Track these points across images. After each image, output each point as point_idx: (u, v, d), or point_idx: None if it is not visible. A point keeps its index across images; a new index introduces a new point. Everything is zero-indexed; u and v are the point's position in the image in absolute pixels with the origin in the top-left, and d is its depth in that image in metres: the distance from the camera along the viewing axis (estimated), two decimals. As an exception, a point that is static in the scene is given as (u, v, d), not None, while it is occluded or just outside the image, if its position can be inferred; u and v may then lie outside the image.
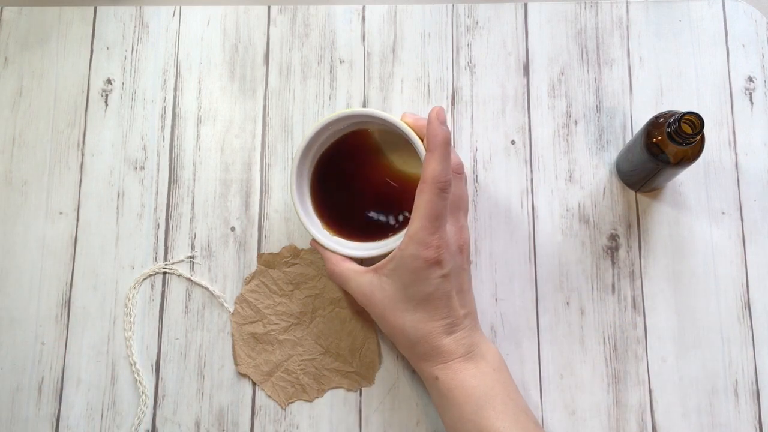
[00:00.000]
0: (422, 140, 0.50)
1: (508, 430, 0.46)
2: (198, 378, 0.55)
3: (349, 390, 0.55)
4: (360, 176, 0.55)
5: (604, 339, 0.56)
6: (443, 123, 0.48)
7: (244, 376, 0.55)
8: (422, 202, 0.47)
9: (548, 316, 0.56)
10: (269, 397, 0.55)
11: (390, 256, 0.49)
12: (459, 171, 0.51)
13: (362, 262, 0.53)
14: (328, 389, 0.55)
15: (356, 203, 0.54)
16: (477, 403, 0.47)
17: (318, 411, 0.55)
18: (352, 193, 0.54)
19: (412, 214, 0.48)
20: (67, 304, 0.57)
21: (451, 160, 0.48)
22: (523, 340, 0.56)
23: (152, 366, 0.56)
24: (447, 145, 0.47)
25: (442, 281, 0.48)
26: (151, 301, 0.57)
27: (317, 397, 0.55)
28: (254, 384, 0.55)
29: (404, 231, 0.50)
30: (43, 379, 0.56)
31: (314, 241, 0.53)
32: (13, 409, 0.55)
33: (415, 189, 0.48)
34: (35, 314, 0.56)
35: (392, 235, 0.53)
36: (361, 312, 0.56)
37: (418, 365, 0.50)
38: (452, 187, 0.49)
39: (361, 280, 0.50)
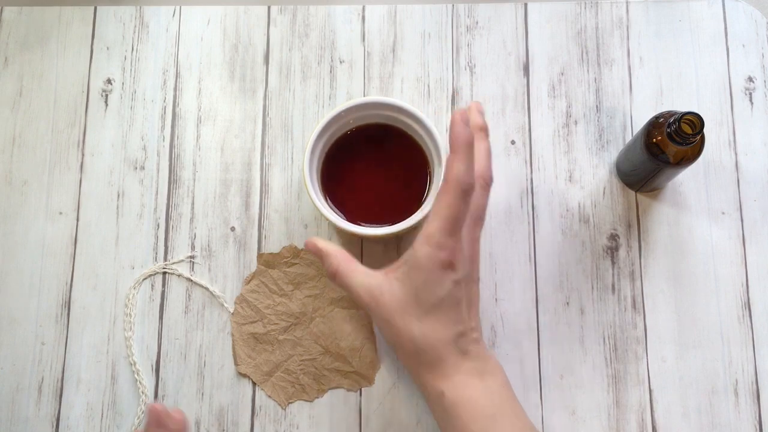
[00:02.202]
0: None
1: None
2: (198, 378, 0.55)
3: (349, 390, 0.55)
4: (370, 171, 0.55)
5: (604, 339, 0.56)
6: (467, 124, 0.45)
7: (244, 376, 0.55)
8: (443, 202, 0.45)
9: (548, 316, 0.56)
10: (269, 397, 0.55)
11: (402, 259, 0.48)
12: (489, 182, 0.49)
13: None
14: (328, 389, 0.55)
15: (366, 195, 0.55)
16: (485, 421, 0.45)
17: (318, 411, 0.55)
18: (362, 186, 0.55)
19: (431, 214, 0.46)
20: (67, 304, 0.57)
21: (474, 163, 0.46)
22: (523, 340, 0.56)
23: (152, 366, 0.56)
24: (470, 146, 0.45)
25: (454, 287, 0.46)
26: (151, 301, 0.57)
27: (317, 397, 0.55)
28: (254, 384, 0.55)
29: (416, 213, 0.51)
30: (43, 379, 0.56)
31: (312, 241, 0.51)
32: (13, 409, 0.55)
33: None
34: (35, 314, 0.56)
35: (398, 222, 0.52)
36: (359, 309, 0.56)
37: (421, 378, 0.47)
38: (477, 195, 0.47)
39: (369, 281, 0.48)
